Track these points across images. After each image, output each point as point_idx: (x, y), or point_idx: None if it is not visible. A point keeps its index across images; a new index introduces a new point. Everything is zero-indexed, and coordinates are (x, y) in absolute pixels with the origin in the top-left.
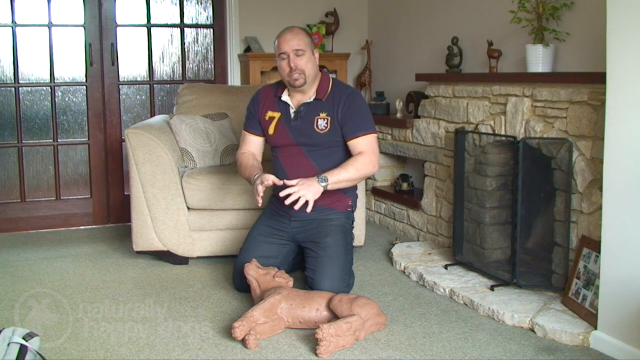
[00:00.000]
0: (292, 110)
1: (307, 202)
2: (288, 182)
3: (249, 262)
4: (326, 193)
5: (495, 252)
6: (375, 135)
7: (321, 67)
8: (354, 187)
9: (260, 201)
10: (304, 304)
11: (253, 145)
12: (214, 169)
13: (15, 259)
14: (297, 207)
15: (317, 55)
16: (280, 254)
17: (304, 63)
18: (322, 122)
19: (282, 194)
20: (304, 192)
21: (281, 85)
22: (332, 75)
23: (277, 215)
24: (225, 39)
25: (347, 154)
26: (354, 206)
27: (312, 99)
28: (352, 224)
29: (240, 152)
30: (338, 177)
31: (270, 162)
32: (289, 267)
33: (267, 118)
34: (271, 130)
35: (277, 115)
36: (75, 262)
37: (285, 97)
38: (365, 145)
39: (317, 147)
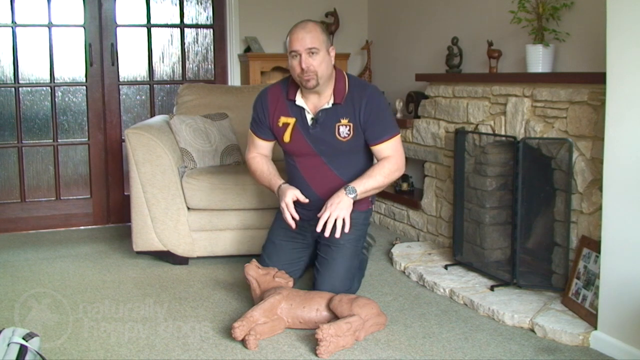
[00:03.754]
0: (309, 117)
1: (344, 223)
2: (320, 217)
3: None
4: None
5: (495, 252)
6: (399, 135)
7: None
8: None
9: (294, 224)
10: (304, 304)
11: (264, 149)
12: (214, 169)
13: (15, 259)
14: (337, 234)
15: (333, 53)
16: (305, 255)
17: (318, 63)
18: (344, 130)
19: (318, 228)
20: (337, 212)
21: (292, 86)
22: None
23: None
24: (225, 39)
25: (369, 156)
26: (373, 201)
27: (330, 104)
28: (369, 222)
29: (251, 156)
30: (366, 187)
31: (281, 161)
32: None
33: (280, 125)
34: (287, 138)
35: (291, 121)
36: (75, 262)
37: (299, 101)
38: (391, 150)
39: (339, 155)
